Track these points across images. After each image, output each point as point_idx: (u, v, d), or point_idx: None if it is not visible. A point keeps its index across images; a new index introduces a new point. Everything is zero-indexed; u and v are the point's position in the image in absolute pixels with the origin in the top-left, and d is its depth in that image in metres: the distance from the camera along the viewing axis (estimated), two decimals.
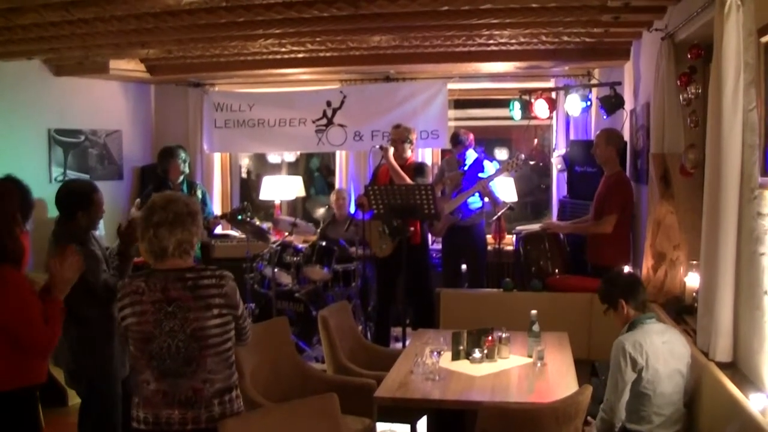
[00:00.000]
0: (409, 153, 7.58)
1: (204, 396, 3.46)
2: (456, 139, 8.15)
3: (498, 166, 7.84)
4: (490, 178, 7.71)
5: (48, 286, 3.96)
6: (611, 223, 6.51)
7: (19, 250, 3.90)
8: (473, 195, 7.78)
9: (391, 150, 7.39)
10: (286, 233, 8.93)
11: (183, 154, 7.81)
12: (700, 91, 5.24)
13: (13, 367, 3.82)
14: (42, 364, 4.01)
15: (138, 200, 5.54)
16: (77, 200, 4.68)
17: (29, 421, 3.94)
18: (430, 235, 8.29)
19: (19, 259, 3.90)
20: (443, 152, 10.06)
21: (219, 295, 3.48)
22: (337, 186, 10.12)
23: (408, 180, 7.18)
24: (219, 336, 3.49)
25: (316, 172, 12.10)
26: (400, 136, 7.50)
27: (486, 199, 7.85)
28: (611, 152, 6.77)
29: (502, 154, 10.93)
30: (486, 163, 7.95)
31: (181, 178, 7.84)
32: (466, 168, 7.99)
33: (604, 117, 7.52)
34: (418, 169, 7.47)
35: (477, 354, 4.92)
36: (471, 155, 8.05)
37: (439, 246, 8.90)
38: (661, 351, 4.19)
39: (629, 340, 4.17)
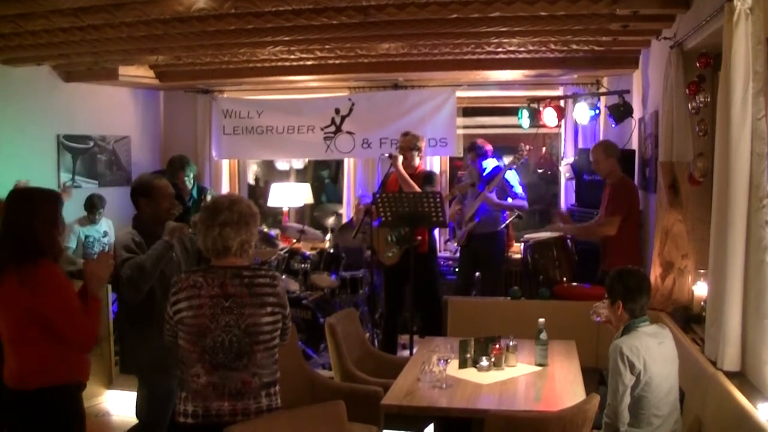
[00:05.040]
0: (417, 161, 7.55)
1: (253, 388, 3.57)
2: (480, 150, 8.08)
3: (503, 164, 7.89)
4: (492, 177, 7.74)
5: (84, 285, 4.03)
6: (615, 225, 6.50)
7: (59, 249, 3.96)
8: (483, 202, 7.77)
9: (400, 158, 7.37)
10: (294, 240, 8.93)
11: (190, 172, 7.77)
12: (708, 99, 5.24)
13: (55, 363, 3.85)
14: (85, 363, 4.04)
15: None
16: (139, 188, 4.92)
17: (71, 420, 3.96)
18: (438, 243, 8.27)
19: (58, 257, 3.97)
20: (452, 160, 10.07)
21: (273, 294, 3.63)
22: (345, 193, 10.14)
23: (417, 188, 7.16)
24: (269, 333, 3.61)
25: (327, 179, 12.12)
26: (408, 144, 7.47)
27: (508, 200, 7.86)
28: (612, 163, 6.78)
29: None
30: (508, 174, 7.89)
31: (192, 184, 7.84)
32: (485, 173, 7.97)
33: (613, 125, 7.52)
34: (428, 177, 7.44)
35: (484, 362, 4.91)
36: (491, 163, 8.03)
37: (447, 254, 8.90)
38: (656, 353, 4.18)
39: (626, 344, 4.15)
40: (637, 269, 4.56)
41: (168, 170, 7.89)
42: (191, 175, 7.81)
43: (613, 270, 4.48)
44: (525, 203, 7.95)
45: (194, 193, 7.85)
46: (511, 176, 7.86)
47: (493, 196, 7.76)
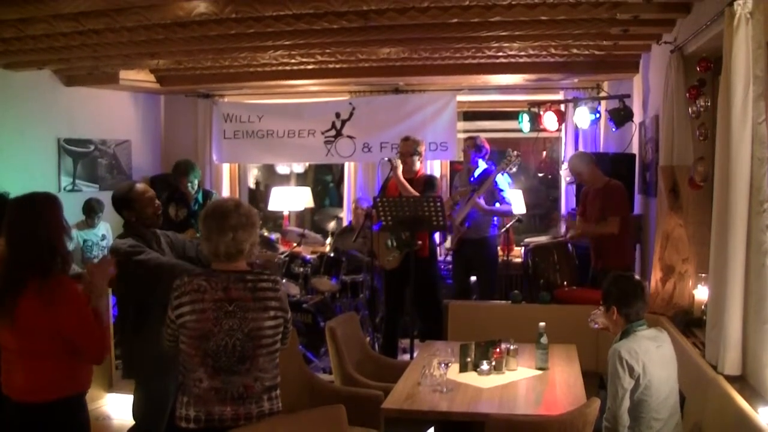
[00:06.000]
0: (418, 165, 7.54)
1: (254, 392, 3.57)
2: (478, 146, 8.01)
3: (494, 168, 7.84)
4: (481, 183, 7.71)
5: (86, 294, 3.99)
6: (617, 224, 6.59)
7: (68, 255, 3.93)
8: (472, 207, 7.71)
9: (400, 167, 7.34)
10: (295, 244, 8.93)
11: (193, 177, 7.81)
12: (709, 103, 5.24)
13: (68, 374, 3.83)
14: (90, 371, 4.02)
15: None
16: (118, 201, 4.92)
17: (81, 426, 3.96)
18: (438, 247, 8.25)
19: (69, 268, 3.94)
20: (452, 164, 10.06)
21: (275, 298, 3.63)
22: (345, 197, 10.14)
23: (417, 195, 7.12)
24: (271, 337, 3.62)
25: (332, 183, 12.12)
26: (409, 149, 7.46)
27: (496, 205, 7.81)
28: (593, 169, 6.85)
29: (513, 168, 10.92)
30: (498, 177, 7.84)
31: (196, 189, 7.87)
32: (475, 175, 7.95)
33: (613, 129, 7.52)
34: (428, 182, 7.42)
35: (485, 366, 4.90)
36: (482, 165, 8.00)
37: (448, 258, 8.87)
38: (655, 356, 4.19)
39: (624, 348, 4.16)
40: (632, 275, 4.59)
41: (172, 174, 7.94)
42: (195, 181, 7.83)
43: (608, 276, 4.51)
44: (510, 208, 7.92)
45: (199, 197, 7.87)
46: (501, 180, 7.83)
47: (482, 202, 7.69)
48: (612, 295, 4.35)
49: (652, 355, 4.17)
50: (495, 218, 7.97)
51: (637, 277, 4.58)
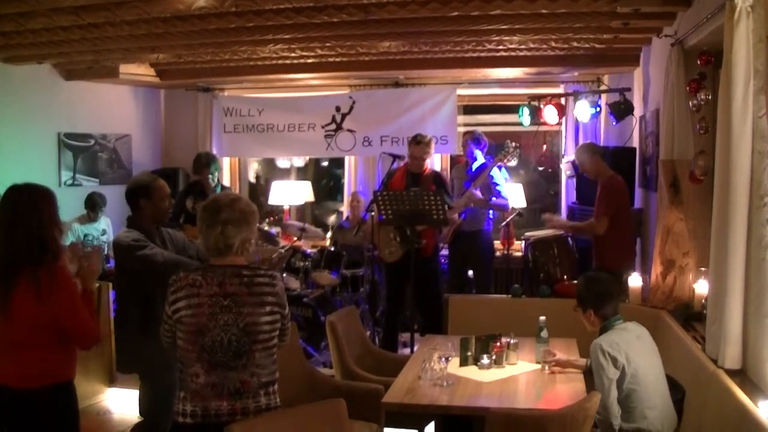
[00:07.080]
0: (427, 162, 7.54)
1: (251, 387, 3.55)
2: (478, 138, 8.03)
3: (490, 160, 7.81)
4: (478, 174, 7.70)
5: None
6: (602, 225, 6.50)
7: (59, 250, 3.92)
8: (470, 204, 7.69)
9: None
10: (295, 238, 8.93)
11: (214, 169, 7.80)
12: (709, 97, 5.23)
13: (57, 364, 3.86)
14: (75, 358, 4.03)
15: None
16: (138, 189, 4.91)
17: (72, 412, 3.98)
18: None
19: (59, 257, 3.93)
20: (453, 158, 10.06)
21: (272, 293, 3.60)
22: (346, 190, 10.13)
23: None
24: (268, 333, 3.59)
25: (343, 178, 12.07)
26: (422, 154, 7.38)
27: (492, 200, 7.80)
28: (597, 161, 6.77)
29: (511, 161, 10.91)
30: (494, 171, 7.85)
31: (216, 182, 7.89)
32: (473, 168, 7.94)
33: (614, 123, 7.51)
34: (439, 180, 7.41)
35: (485, 360, 4.90)
36: (480, 158, 8.00)
37: (443, 251, 8.89)
38: (637, 346, 4.31)
39: (605, 341, 4.28)
40: (603, 274, 4.68)
41: (193, 166, 7.91)
42: (215, 173, 7.83)
43: (580, 279, 4.61)
44: (506, 203, 7.94)
45: (218, 190, 7.85)
46: (498, 175, 7.82)
47: (478, 194, 7.69)
48: (587, 299, 4.52)
49: (634, 346, 4.30)
50: (490, 212, 7.96)
51: (607, 274, 4.67)
